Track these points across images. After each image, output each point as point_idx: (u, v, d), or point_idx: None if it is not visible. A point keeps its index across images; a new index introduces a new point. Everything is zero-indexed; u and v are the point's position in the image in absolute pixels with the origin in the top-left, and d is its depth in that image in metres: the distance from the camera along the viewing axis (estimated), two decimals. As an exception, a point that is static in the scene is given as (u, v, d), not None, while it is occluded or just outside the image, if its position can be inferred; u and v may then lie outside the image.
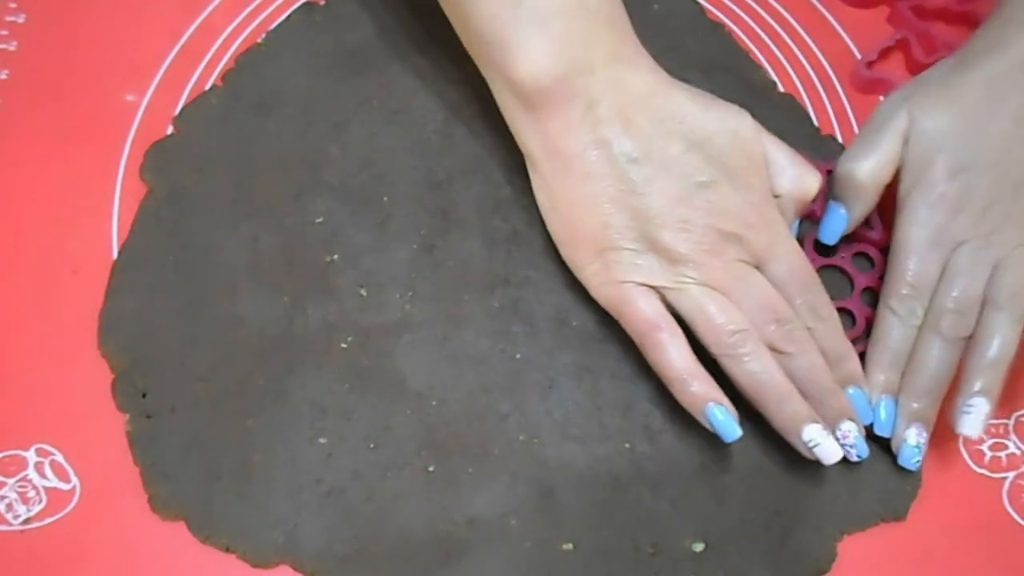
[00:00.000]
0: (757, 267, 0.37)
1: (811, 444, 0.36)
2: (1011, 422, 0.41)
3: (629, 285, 0.37)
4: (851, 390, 0.38)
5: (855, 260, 0.42)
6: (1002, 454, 0.40)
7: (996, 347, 0.37)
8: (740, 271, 0.37)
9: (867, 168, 0.40)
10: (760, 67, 0.47)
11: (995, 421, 0.41)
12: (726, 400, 0.36)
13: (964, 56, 0.41)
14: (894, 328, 0.39)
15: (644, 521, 0.37)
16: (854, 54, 0.48)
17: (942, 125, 0.39)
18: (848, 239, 0.42)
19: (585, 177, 0.37)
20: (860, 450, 0.37)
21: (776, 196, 0.38)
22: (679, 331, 0.37)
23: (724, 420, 0.36)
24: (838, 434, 0.37)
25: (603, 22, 0.37)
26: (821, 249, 0.42)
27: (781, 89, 0.47)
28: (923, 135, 0.39)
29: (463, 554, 0.36)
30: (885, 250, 0.42)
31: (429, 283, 0.40)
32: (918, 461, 0.38)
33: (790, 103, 0.46)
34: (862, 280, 0.41)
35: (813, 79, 0.48)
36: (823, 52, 0.48)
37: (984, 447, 0.40)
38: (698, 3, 0.49)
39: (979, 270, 0.38)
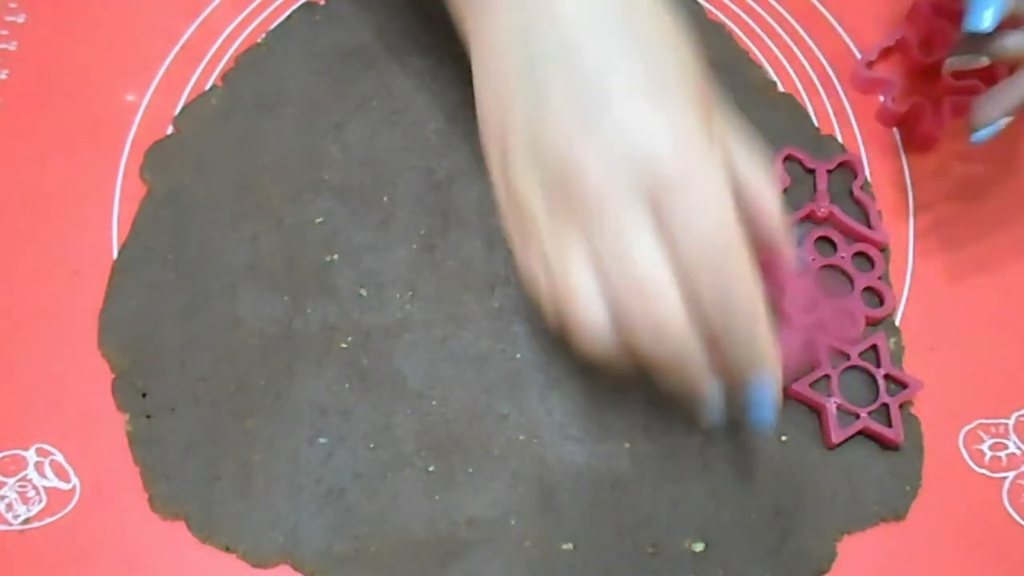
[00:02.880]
0: (662, 231, 0.28)
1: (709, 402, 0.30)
2: (1011, 422, 0.41)
3: (516, 223, 0.30)
4: (755, 382, 0.30)
5: (855, 260, 0.42)
6: (1002, 454, 0.40)
7: None
8: (626, 244, 0.28)
9: None
10: (760, 67, 0.47)
11: (995, 421, 0.41)
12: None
13: None
14: None
15: (644, 521, 0.37)
16: (854, 54, 0.48)
17: None
18: (848, 239, 0.42)
19: (496, 54, 0.30)
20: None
21: None
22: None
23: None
24: (753, 389, 0.30)
25: None
26: (821, 249, 0.42)
27: (781, 89, 0.47)
28: None
29: (463, 554, 0.36)
30: (885, 250, 0.42)
31: (429, 283, 0.40)
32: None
33: (790, 103, 0.46)
34: (862, 280, 0.41)
35: (813, 79, 0.48)
36: (823, 52, 0.48)
37: (984, 447, 0.40)
38: (698, 3, 0.49)
39: None
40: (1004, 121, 0.36)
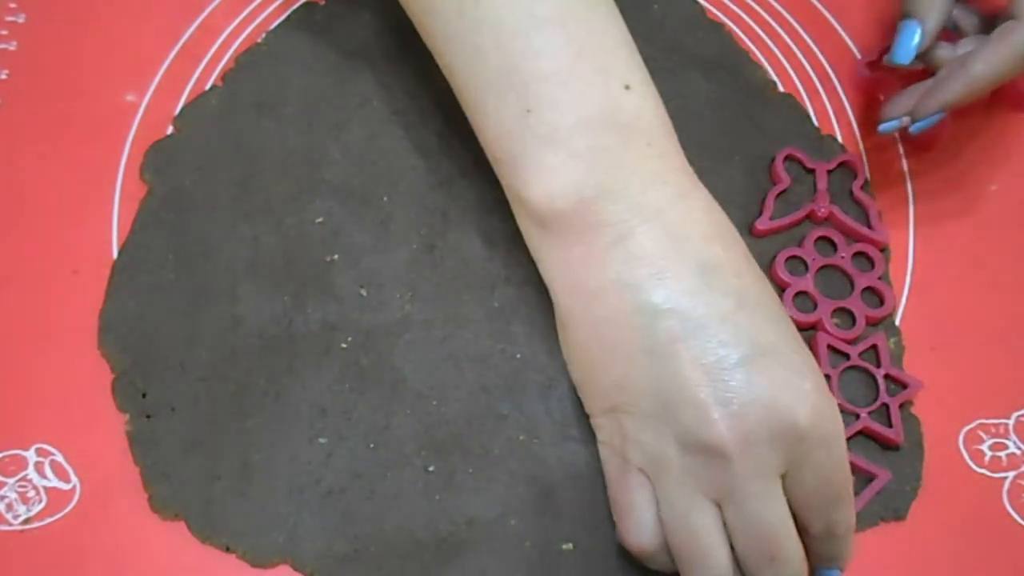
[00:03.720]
0: (787, 475, 0.29)
1: None
2: (1011, 422, 0.41)
3: (632, 475, 0.31)
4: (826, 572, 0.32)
5: (855, 260, 0.42)
6: (1002, 454, 0.40)
7: None
8: (760, 486, 0.29)
9: None
10: (760, 67, 0.47)
11: (995, 421, 0.41)
12: None
13: None
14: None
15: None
16: (854, 54, 0.48)
17: None
18: (848, 239, 0.42)
19: (606, 322, 0.31)
20: None
21: None
22: (665, 548, 0.31)
23: None
24: None
25: (639, 136, 0.31)
26: (821, 249, 0.42)
27: (781, 89, 0.47)
28: None
29: (463, 554, 0.36)
30: (885, 250, 0.42)
31: (429, 283, 0.40)
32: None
33: (790, 103, 0.46)
34: (862, 280, 0.41)
35: (813, 79, 0.48)
36: (823, 52, 0.48)
37: (984, 447, 0.40)
38: (698, 3, 0.49)
39: None
40: (935, 117, 0.36)
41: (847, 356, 0.40)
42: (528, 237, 0.34)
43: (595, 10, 0.32)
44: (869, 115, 0.46)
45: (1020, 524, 0.39)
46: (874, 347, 0.40)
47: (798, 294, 0.41)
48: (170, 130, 0.43)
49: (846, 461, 0.31)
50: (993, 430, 0.41)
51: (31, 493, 0.37)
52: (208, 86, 0.44)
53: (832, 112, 0.47)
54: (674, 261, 0.30)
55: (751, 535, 0.30)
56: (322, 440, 0.37)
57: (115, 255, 0.40)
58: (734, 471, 0.29)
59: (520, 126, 0.31)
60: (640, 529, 0.32)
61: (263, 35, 0.45)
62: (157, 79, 0.45)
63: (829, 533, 0.31)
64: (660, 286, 0.30)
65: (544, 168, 0.31)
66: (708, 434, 0.29)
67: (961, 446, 0.40)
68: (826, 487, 0.30)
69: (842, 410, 0.38)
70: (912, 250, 0.43)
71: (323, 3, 0.46)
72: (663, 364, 0.30)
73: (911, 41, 0.35)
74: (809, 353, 0.31)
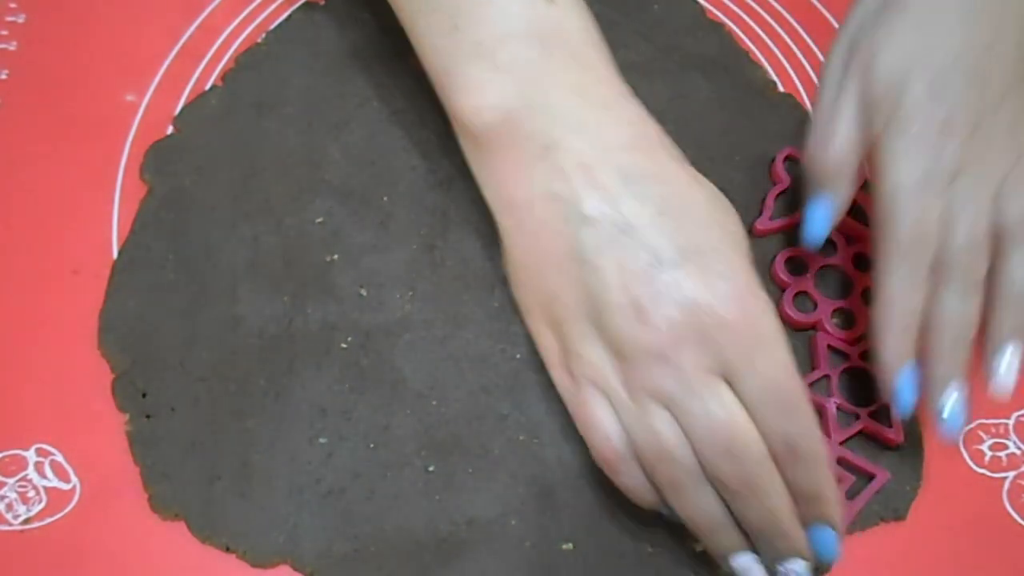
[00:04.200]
0: (726, 377, 0.30)
1: (739, 572, 0.33)
2: (1011, 422, 0.41)
3: (583, 384, 0.32)
4: (820, 528, 0.32)
5: (855, 260, 0.42)
6: (1002, 454, 0.40)
7: (1020, 283, 0.33)
8: (698, 383, 0.30)
9: (835, 150, 0.34)
10: (760, 67, 0.47)
11: (995, 421, 0.41)
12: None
13: None
14: (898, 289, 0.33)
15: (644, 521, 0.37)
16: (854, 54, 0.48)
17: (904, 49, 0.34)
18: (849, 239, 0.42)
19: (534, 234, 0.32)
20: None
21: None
22: (637, 469, 0.33)
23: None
24: (780, 569, 0.32)
25: (561, 51, 0.32)
26: (821, 249, 0.42)
27: (781, 89, 0.47)
28: (886, 70, 0.34)
29: (463, 554, 0.36)
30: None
31: (429, 283, 0.40)
32: (961, 427, 0.33)
33: (790, 103, 0.46)
34: (862, 280, 0.41)
35: (813, 79, 0.48)
36: (823, 52, 0.48)
37: (984, 447, 0.40)
38: (698, 3, 0.49)
39: (982, 199, 0.33)
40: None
41: (847, 356, 0.40)
42: (466, 153, 0.35)
43: None
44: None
45: (1020, 524, 0.39)
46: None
47: (798, 294, 0.41)
48: (170, 130, 0.43)
49: (792, 367, 0.31)
50: (993, 430, 0.41)
51: (31, 493, 0.37)
52: (208, 86, 0.44)
53: (832, 112, 0.46)
54: (597, 171, 0.31)
55: (701, 431, 0.30)
56: (322, 440, 0.37)
57: (115, 255, 0.40)
58: (671, 372, 0.30)
59: (449, 42, 0.32)
60: (606, 441, 0.32)
61: (263, 35, 0.45)
62: (157, 79, 0.45)
63: (790, 451, 0.30)
64: (584, 195, 0.31)
65: (471, 81, 0.32)
66: (638, 338, 0.30)
67: (961, 446, 0.40)
68: (773, 393, 0.30)
69: (842, 410, 0.39)
70: (912, 250, 0.43)
71: (323, 3, 0.46)
72: (591, 271, 0.31)
73: (825, 218, 0.35)
74: (743, 257, 0.32)
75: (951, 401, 0.33)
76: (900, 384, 0.33)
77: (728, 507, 0.32)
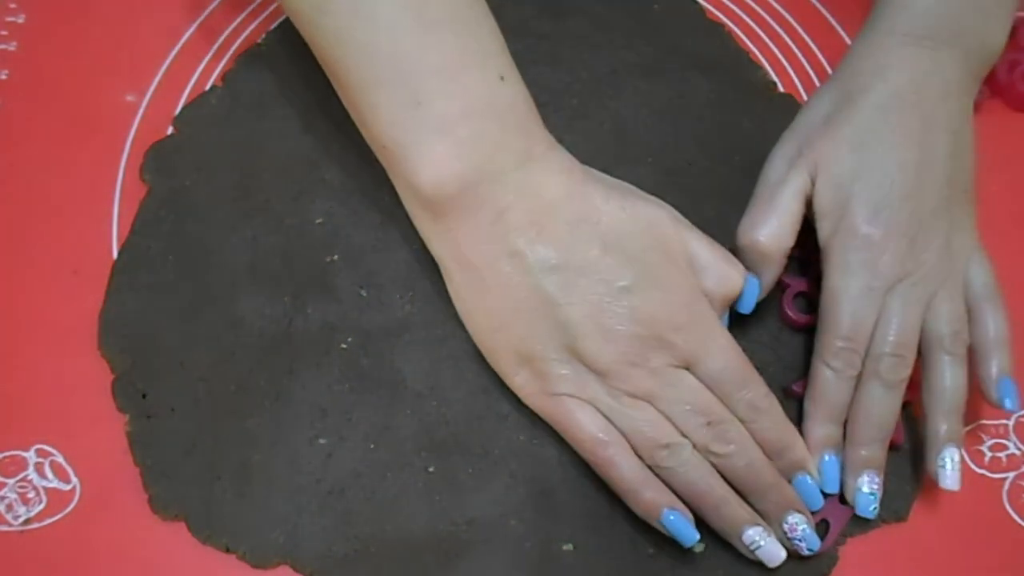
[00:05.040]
0: (688, 367, 0.36)
1: (752, 547, 0.35)
2: (1011, 422, 0.41)
3: (563, 398, 0.36)
4: (798, 477, 0.37)
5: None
6: (1002, 454, 0.40)
7: (951, 392, 0.37)
8: (668, 377, 0.35)
9: (770, 234, 0.38)
10: (760, 67, 0.47)
11: (995, 421, 0.41)
12: (680, 504, 0.35)
13: (845, 83, 0.40)
14: (831, 382, 0.37)
15: (644, 521, 0.37)
16: (854, 54, 0.48)
17: (847, 169, 0.38)
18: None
19: (500, 288, 0.35)
20: (810, 543, 0.36)
21: None
22: (623, 441, 0.36)
23: (679, 525, 0.35)
24: (784, 527, 0.36)
25: (511, 123, 0.35)
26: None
27: (781, 89, 0.47)
28: (831, 185, 0.38)
29: (463, 554, 0.36)
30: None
31: (429, 283, 0.40)
32: (875, 508, 0.37)
33: (790, 103, 0.46)
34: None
35: (813, 79, 0.48)
36: (823, 52, 0.48)
37: (984, 447, 0.40)
38: (698, 3, 0.49)
39: (914, 308, 0.37)
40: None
41: (847, 356, 0.40)
42: (417, 221, 0.37)
43: (474, 10, 0.35)
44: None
45: (1020, 524, 0.39)
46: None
47: (798, 294, 0.41)
48: (170, 130, 0.43)
49: (737, 347, 0.36)
50: (993, 430, 0.41)
51: (31, 494, 0.37)
52: (208, 86, 0.44)
53: (832, 112, 0.46)
54: (545, 223, 0.35)
55: (682, 412, 0.35)
56: (322, 440, 0.37)
57: (115, 255, 0.40)
58: (644, 373, 0.35)
59: (410, 117, 0.34)
60: (596, 435, 0.36)
61: (263, 35, 0.45)
62: (157, 79, 0.45)
63: (753, 409, 0.36)
64: (539, 247, 0.35)
65: (435, 156, 0.34)
66: (611, 354, 0.35)
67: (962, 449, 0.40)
68: (727, 371, 0.36)
69: (842, 410, 0.39)
70: (912, 250, 0.43)
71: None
72: (559, 310, 0.35)
73: (752, 295, 0.38)
74: (680, 266, 0.36)
75: (867, 484, 0.37)
76: (824, 469, 0.37)
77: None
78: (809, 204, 0.39)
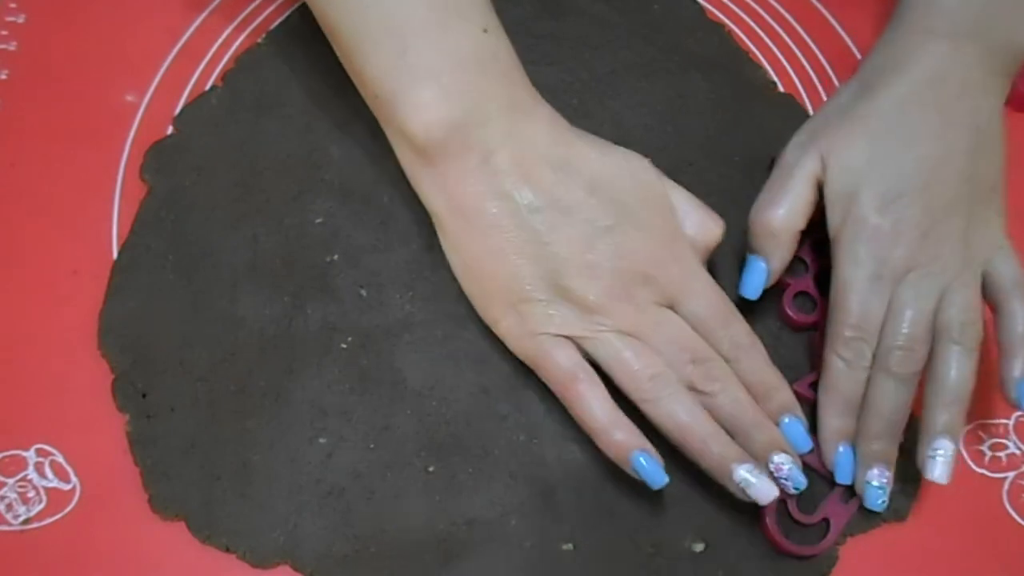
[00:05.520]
0: (672, 307, 0.37)
1: (742, 485, 0.35)
2: (1011, 422, 0.41)
3: (544, 337, 0.36)
4: (786, 419, 0.37)
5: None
6: (1002, 454, 0.40)
7: (955, 383, 0.37)
8: (653, 313, 0.36)
9: (780, 216, 0.39)
10: (760, 67, 0.47)
11: (995, 421, 0.41)
12: (650, 447, 0.35)
13: (865, 78, 0.40)
14: (843, 373, 0.38)
15: (644, 521, 0.37)
16: (854, 54, 0.48)
17: (860, 158, 0.38)
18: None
19: (489, 230, 0.36)
20: (796, 481, 0.36)
21: None
22: (597, 380, 0.36)
23: (649, 467, 0.35)
24: (771, 467, 0.36)
25: (495, 72, 0.37)
26: (821, 249, 0.42)
27: (781, 89, 0.47)
28: (842, 171, 0.38)
29: (463, 554, 0.36)
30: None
31: (429, 283, 0.40)
32: (884, 502, 0.37)
33: (790, 103, 0.46)
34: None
35: (813, 79, 0.48)
36: (823, 52, 0.48)
37: (984, 447, 0.40)
38: (698, 3, 0.49)
39: (925, 301, 0.37)
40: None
41: (847, 356, 0.40)
42: (409, 171, 0.38)
43: None
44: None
45: (1020, 524, 0.39)
46: (874, 347, 0.40)
47: (798, 294, 0.41)
48: (170, 130, 0.43)
49: (718, 288, 0.37)
50: (993, 430, 0.41)
51: (31, 493, 0.37)
52: (208, 86, 0.44)
53: (832, 112, 0.46)
54: (531, 167, 0.36)
55: (667, 348, 0.36)
56: (322, 440, 0.37)
57: (115, 255, 0.40)
58: (630, 309, 0.36)
59: (398, 66, 0.36)
60: (571, 371, 0.36)
61: (263, 35, 0.45)
62: (157, 79, 0.45)
63: (736, 347, 0.37)
64: (525, 189, 0.36)
65: (420, 102, 0.36)
66: (597, 289, 0.36)
67: (961, 446, 0.40)
68: (710, 309, 0.37)
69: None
70: (912, 250, 0.43)
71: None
72: (545, 249, 0.36)
73: (759, 279, 0.39)
74: (661, 207, 0.37)
75: (876, 477, 0.37)
76: (837, 461, 0.38)
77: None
78: (821, 192, 0.39)
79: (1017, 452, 0.40)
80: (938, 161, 0.38)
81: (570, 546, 0.37)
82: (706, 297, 0.37)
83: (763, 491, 0.35)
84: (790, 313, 0.40)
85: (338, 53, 0.39)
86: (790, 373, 0.39)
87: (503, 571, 0.36)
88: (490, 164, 0.36)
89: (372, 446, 0.37)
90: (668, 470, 0.36)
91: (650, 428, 0.36)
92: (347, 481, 0.37)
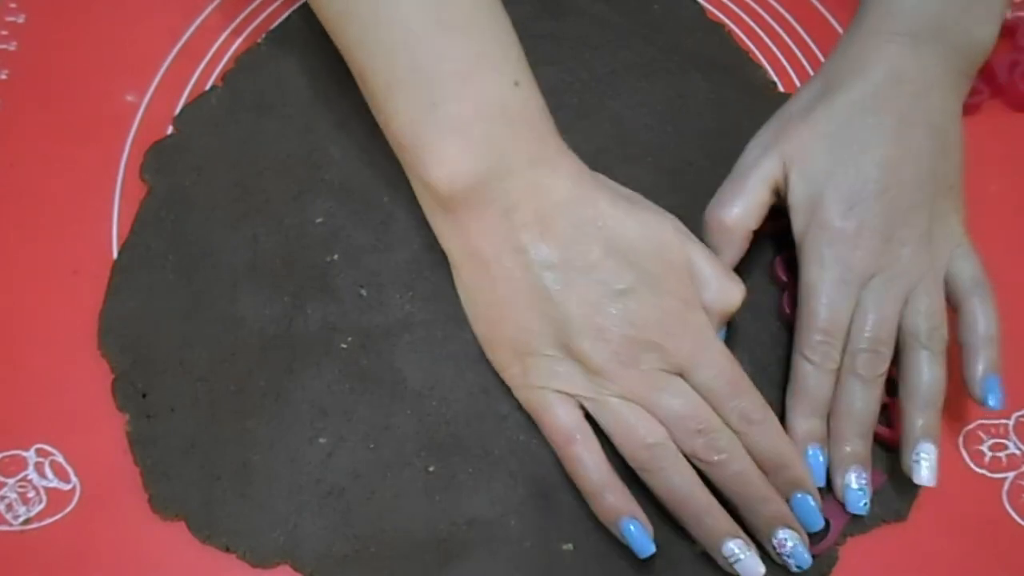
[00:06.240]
0: (681, 374, 0.36)
1: (732, 559, 0.35)
2: (1011, 422, 0.41)
3: (547, 392, 0.36)
4: (797, 495, 0.36)
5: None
6: (1002, 454, 0.40)
7: (927, 388, 0.37)
8: (659, 381, 0.36)
9: (735, 215, 0.39)
10: (760, 67, 0.47)
11: (995, 421, 0.41)
12: (640, 514, 0.35)
13: (826, 79, 0.40)
14: (811, 376, 0.37)
15: (644, 521, 0.37)
16: (854, 54, 0.48)
17: (821, 163, 0.38)
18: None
19: (502, 281, 0.36)
20: (799, 560, 0.35)
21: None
22: (595, 442, 0.36)
23: (637, 535, 0.35)
24: (774, 542, 0.35)
25: (524, 125, 0.36)
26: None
27: (781, 89, 0.47)
28: (804, 176, 0.38)
29: (463, 554, 0.36)
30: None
31: (429, 283, 0.40)
32: (866, 504, 0.37)
33: (790, 103, 0.46)
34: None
35: (813, 79, 0.48)
36: (823, 52, 0.48)
37: (984, 447, 0.40)
38: (698, 3, 0.49)
39: (890, 303, 0.37)
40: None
41: (847, 356, 0.40)
42: (430, 215, 0.38)
43: (492, 16, 0.37)
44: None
45: (1020, 524, 0.39)
46: (874, 347, 0.40)
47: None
48: (170, 130, 0.43)
49: (730, 356, 0.36)
50: (993, 430, 0.41)
51: (31, 493, 0.37)
52: (208, 86, 0.44)
53: (832, 112, 0.46)
54: (550, 223, 0.36)
55: (672, 418, 0.35)
56: (322, 440, 0.37)
57: (115, 255, 0.40)
58: (636, 375, 0.35)
59: (427, 118, 0.35)
60: (567, 428, 0.36)
61: (263, 35, 0.45)
62: (157, 79, 0.45)
63: (746, 420, 0.36)
64: (542, 245, 0.36)
65: (447, 155, 0.35)
66: (604, 352, 0.35)
67: (961, 446, 0.40)
68: (720, 379, 0.36)
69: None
70: (912, 250, 0.43)
71: (323, 3, 0.46)
72: (555, 307, 0.36)
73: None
74: (678, 274, 0.36)
75: (855, 480, 0.37)
76: (809, 463, 0.37)
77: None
78: (783, 196, 0.39)
79: (1017, 452, 0.40)
80: (898, 163, 0.38)
81: (570, 546, 0.37)
82: (717, 367, 0.36)
83: (750, 568, 0.35)
84: (789, 313, 0.40)
85: (364, 94, 0.38)
86: (790, 373, 0.39)
87: (503, 571, 0.36)
88: (510, 218, 0.36)
89: (372, 446, 0.37)
90: None
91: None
92: (347, 481, 0.37)
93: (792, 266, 0.41)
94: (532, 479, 0.37)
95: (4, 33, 0.45)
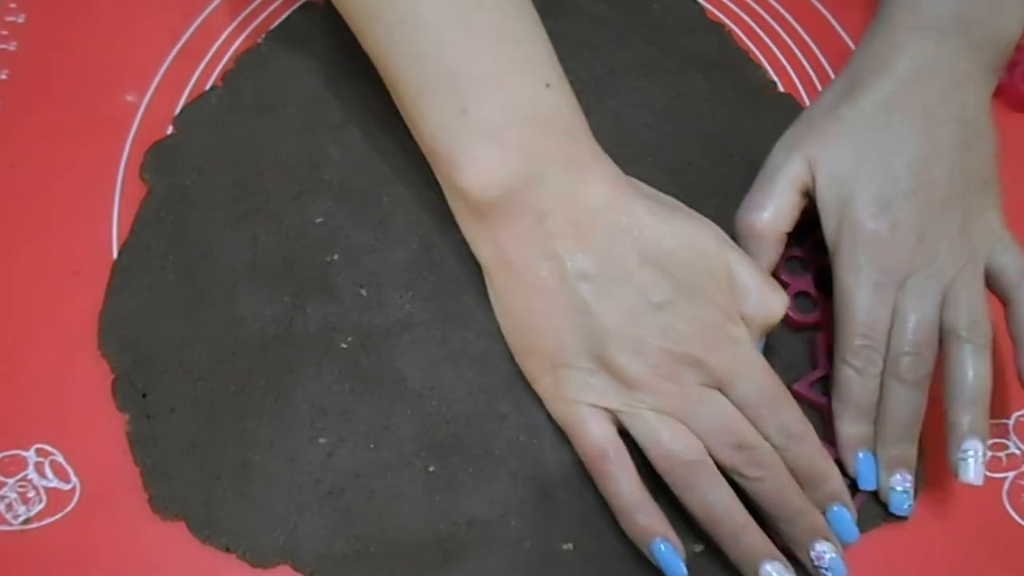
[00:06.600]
0: (720, 388, 0.35)
1: None
2: (1011, 422, 0.41)
3: (581, 405, 0.36)
4: (834, 507, 0.36)
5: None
6: (1002, 454, 0.40)
7: (972, 383, 0.36)
8: (698, 395, 0.35)
9: (765, 219, 0.39)
10: (760, 67, 0.47)
11: (995, 421, 0.41)
12: (672, 535, 0.35)
13: (850, 78, 0.40)
14: (855, 382, 0.37)
15: (644, 521, 0.37)
16: (854, 54, 0.48)
17: (848, 162, 0.38)
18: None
19: (536, 291, 0.35)
20: (836, 572, 0.35)
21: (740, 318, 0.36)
22: (627, 459, 0.35)
23: (668, 556, 0.34)
24: (812, 555, 0.35)
25: (557, 130, 0.35)
26: (821, 249, 0.42)
27: (781, 89, 0.47)
28: (833, 178, 0.38)
29: (463, 554, 0.36)
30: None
31: (429, 283, 0.40)
32: (910, 506, 0.37)
33: (790, 103, 0.46)
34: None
35: (813, 79, 0.48)
36: (823, 52, 0.48)
37: (984, 447, 0.40)
38: (698, 3, 0.49)
39: (928, 302, 0.37)
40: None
41: (847, 356, 0.40)
42: (461, 221, 0.38)
43: (522, 19, 0.36)
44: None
45: (1020, 524, 0.39)
46: (874, 347, 0.40)
47: (798, 294, 0.41)
48: (170, 130, 0.43)
49: (770, 369, 0.36)
50: (993, 430, 0.41)
51: (31, 493, 0.37)
52: (208, 86, 0.44)
53: (832, 112, 0.46)
54: (585, 230, 0.35)
55: (711, 434, 0.35)
56: (322, 440, 0.37)
57: (115, 255, 0.40)
58: (674, 390, 0.35)
59: (457, 123, 0.35)
60: (601, 445, 0.35)
61: (263, 36, 0.45)
62: (157, 79, 0.45)
63: (786, 435, 0.35)
64: (577, 254, 0.35)
65: (479, 161, 0.35)
66: (640, 366, 0.34)
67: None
68: (760, 393, 0.35)
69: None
70: (912, 250, 0.43)
71: (323, 3, 0.46)
72: (590, 318, 0.35)
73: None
74: (717, 284, 0.35)
75: (899, 483, 0.37)
76: (859, 468, 0.37)
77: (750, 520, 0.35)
78: (812, 199, 0.39)
79: (1017, 452, 0.40)
80: (927, 160, 0.37)
81: (570, 546, 0.36)
82: (757, 381, 0.35)
83: None
84: (790, 313, 0.40)
85: (393, 98, 0.37)
86: (790, 373, 0.40)
87: (503, 571, 0.36)
88: (544, 225, 0.35)
89: (372, 446, 0.37)
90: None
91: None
92: (347, 481, 0.37)
93: (792, 266, 0.42)
94: (532, 479, 0.37)
95: (4, 33, 0.45)
